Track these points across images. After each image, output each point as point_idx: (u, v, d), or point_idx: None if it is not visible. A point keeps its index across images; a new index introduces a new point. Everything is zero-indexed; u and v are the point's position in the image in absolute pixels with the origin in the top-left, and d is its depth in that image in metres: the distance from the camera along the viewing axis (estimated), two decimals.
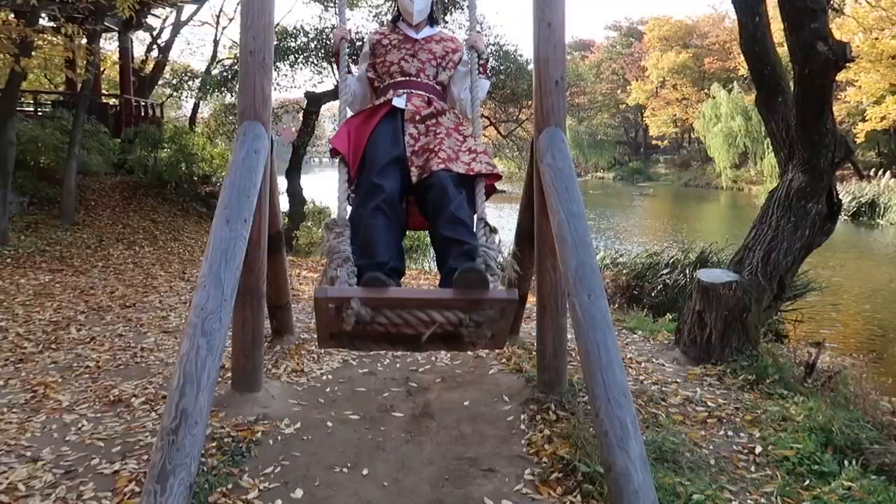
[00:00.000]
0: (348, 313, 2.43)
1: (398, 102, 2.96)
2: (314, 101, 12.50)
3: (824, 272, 12.20)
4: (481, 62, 3.25)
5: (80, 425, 3.65)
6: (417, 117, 2.90)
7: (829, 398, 4.35)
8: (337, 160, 3.08)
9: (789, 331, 8.14)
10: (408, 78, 3.04)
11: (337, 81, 12.32)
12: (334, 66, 12.16)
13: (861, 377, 5.64)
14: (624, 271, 9.33)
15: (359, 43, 11.48)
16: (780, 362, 4.93)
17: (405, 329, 2.50)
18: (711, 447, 3.56)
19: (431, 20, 3.28)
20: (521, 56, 12.23)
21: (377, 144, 2.90)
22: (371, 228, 2.76)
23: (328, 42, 11.48)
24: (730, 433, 3.74)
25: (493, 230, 2.88)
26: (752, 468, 3.37)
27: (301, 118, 12.96)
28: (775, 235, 4.98)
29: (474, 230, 2.83)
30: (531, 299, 4.99)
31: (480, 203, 2.98)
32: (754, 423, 3.86)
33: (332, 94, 12.50)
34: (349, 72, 3.28)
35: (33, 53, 9.34)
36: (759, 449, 3.53)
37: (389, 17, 11.84)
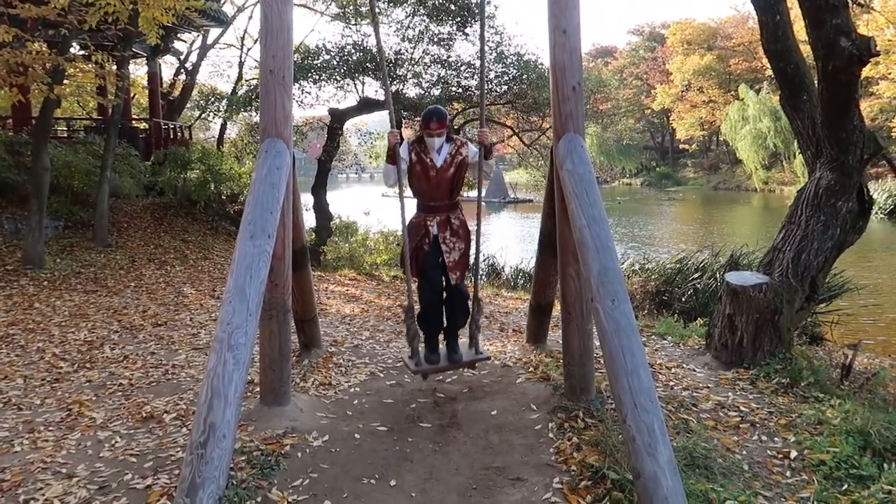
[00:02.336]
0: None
1: (433, 230, 4.20)
2: (338, 118, 12.63)
3: (862, 272, 11.92)
4: (486, 149, 4.16)
5: (113, 442, 3.71)
6: (444, 238, 4.20)
7: (866, 400, 4.23)
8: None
9: (826, 333, 7.96)
10: (435, 203, 4.20)
11: (359, 98, 12.50)
12: (357, 83, 12.32)
13: None
14: (653, 277, 9.22)
15: (385, 55, 11.58)
16: (815, 365, 4.82)
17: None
18: (745, 452, 3.49)
19: (448, 138, 4.18)
20: (541, 65, 12.22)
21: (427, 262, 4.23)
22: (428, 320, 4.37)
23: (350, 59, 11.62)
24: (764, 438, 3.66)
25: (480, 307, 4.46)
26: (788, 473, 3.29)
27: (326, 134, 13.11)
28: (805, 235, 4.89)
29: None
30: (557, 306, 4.96)
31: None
32: (789, 427, 3.77)
33: (355, 110, 12.64)
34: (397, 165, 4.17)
35: (66, 81, 9.63)
36: (794, 453, 3.45)
37: (411, 32, 11.93)
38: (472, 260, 4.36)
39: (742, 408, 4.02)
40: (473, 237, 4.33)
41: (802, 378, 4.42)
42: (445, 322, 4.39)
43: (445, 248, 4.17)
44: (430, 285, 4.26)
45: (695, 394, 4.25)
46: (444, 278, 4.26)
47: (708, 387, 4.40)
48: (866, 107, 27.56)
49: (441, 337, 4.45)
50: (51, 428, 3.97)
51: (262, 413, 3.93)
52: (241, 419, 3.74)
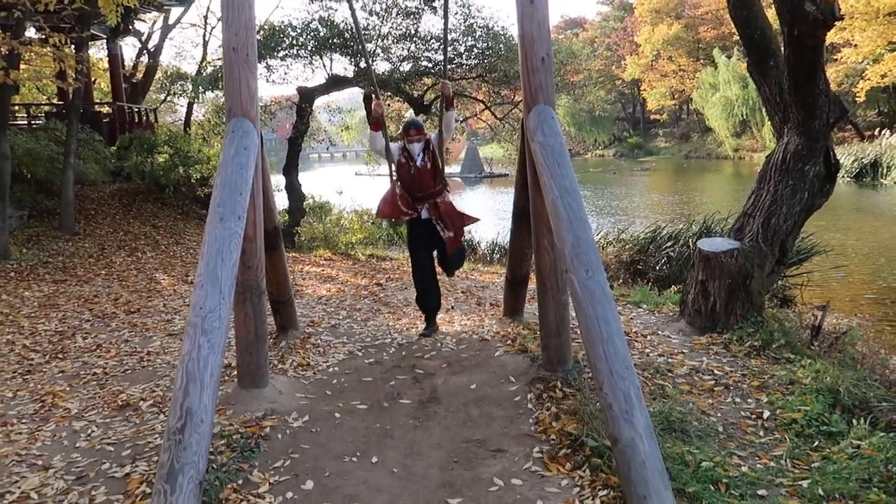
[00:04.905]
0: None
1: (424, 215, 5.00)
2: (306, 97, 12.44)
3: (829, 234, 12.15)
4: (447, 100, 4.95)
5: (89, 431, 3.67)
6: (437, 219, 5.00)
7: (836, 359, 4.33)
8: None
9: (796, 295, 8.12)
10: (422, 193, 4.95)
11: (328, 76, 12.32)
12: (325, 60, 12.13)
13: (869, 336, 5.62)
14: (627, 247, 9.30)
15: (346, 31, 11.40)
16: (785, 327, 4.92)
17: None
18: (719, 415, 3.56)
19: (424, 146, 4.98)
20: (511, 37, 12.11)
21: (418, 246, 5.17)
22: (424, 300, 5.26)
23: (317, 35, 11.41)
24: (737, 400, 3.74)
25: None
26: (761, 433, 3.37)
27: (295, 113, 12.92)
28: (774, 200, 4.94)
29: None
30: (533, 279, 4.98)
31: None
32: (761, 388, 3.85)
33: (324, 88, 12.47)
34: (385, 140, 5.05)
35: (23, 66, 9.33)
36: (766, 413, 3.53)
37: (378, 6, 11.76)
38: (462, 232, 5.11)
39: (716, 371, 4.10)
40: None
41: (774, 340, 4.50)
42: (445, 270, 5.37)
43: (441, 227, 4.96)
44: (422, 269, 5.08)
45: (670, 360, 4.32)
46: (435, 255, 5.17)
47: (683, 352, 4.47)
48: (832, 72, 27.86)
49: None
50: (24, 420, 3.91)
51: (241, 396, 3.90)
52: (220, 403, 3.72)
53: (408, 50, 12.03)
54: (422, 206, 4.96)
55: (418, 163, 4.94)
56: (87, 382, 4.54)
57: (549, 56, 3.86)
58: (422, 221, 5.00)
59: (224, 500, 2.90)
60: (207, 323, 3.01)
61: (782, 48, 4.79)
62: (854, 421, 3.35)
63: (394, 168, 5.11)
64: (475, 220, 5.25)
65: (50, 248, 9.21)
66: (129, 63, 19.14)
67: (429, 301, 5.22)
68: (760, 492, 2.80)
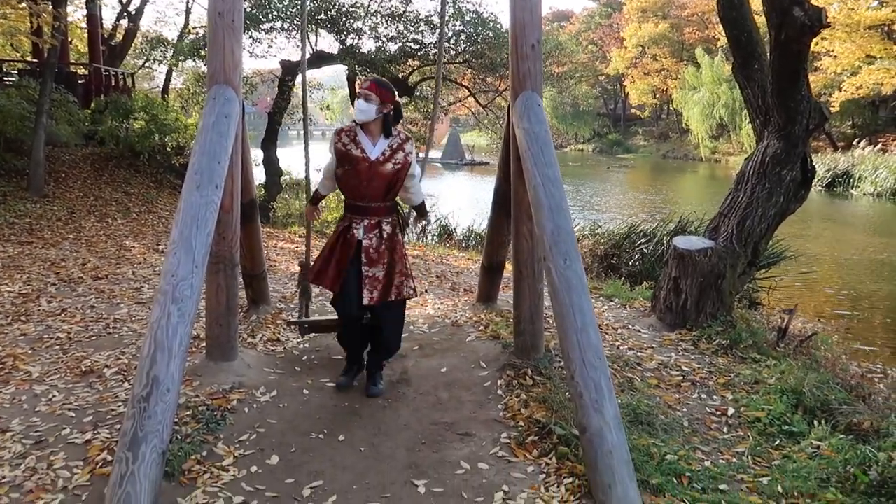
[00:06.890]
0: None
1: (359, 236, 3.53)
2: (289, 71, 12.28)
3: (800, 241, 12.37)
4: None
5: (50, 396, 3.59)
6: (371, 250, 3.54)
7: (800, 362, 4.42)
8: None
9: (764, 298, 8.26)
10: (365, 203, 3.54)
11: (312, 51, 12.13)
12: (311, 35, 11.94)
13: (832, 341, 5.74)
14: (602, 241, 9.36)
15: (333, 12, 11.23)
16: (753, 328, 5.00)
17: None
18: (685, 410, 3.61)
19: (387, 130, 3.50)
20: (500, 25, 12.08)
21: (348, 273, 3.56)
22: (344, 341, 3.92)
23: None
24: (703, 396, 3.79)
25: None
26: (725, 429, 3.42)
27: (277, 88, 12.74)
28: (750, 202, 5.00)
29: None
30: (508, 266, 4.98)
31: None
32: (727, 386, 3.91)
33: (308, 64, 12.29)
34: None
35: None
36: (731, 411, 3.58)
37: None
38: (403, 281, 3.59)
39: (684, 367, 4.15)
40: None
41: (741, 340, 4.58)
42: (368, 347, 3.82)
43: (366, 259, 3.49)
44: (347, 302, 3.58)
45: (639, 353, 4.36)
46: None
47: (652, 347, 4.52)
48: (812, 81, 28.23)
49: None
50: None
51: (209, 368, 3.85)
52: (187, 374, 3.66)
53: (396, 30, 11.92)
54: (359, 223, 3.53)
55: (372, 154, 3.45)
56: (50, 347, 4.44)
57: (538, 43, 3.83)
58: (356, 244, 3.52)
59: (187, 471, 2.86)
60: (179, 291, 2.95)
61: (768, 52, 4.83)
62: (815, 422, 3.42)
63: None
64: (413, 291, 3.66)
65: (17, 208, 8.97)
66: (108, 25, 18.66)
67: (351, 341, 3.84)
68: (722, 486, 2.85)
